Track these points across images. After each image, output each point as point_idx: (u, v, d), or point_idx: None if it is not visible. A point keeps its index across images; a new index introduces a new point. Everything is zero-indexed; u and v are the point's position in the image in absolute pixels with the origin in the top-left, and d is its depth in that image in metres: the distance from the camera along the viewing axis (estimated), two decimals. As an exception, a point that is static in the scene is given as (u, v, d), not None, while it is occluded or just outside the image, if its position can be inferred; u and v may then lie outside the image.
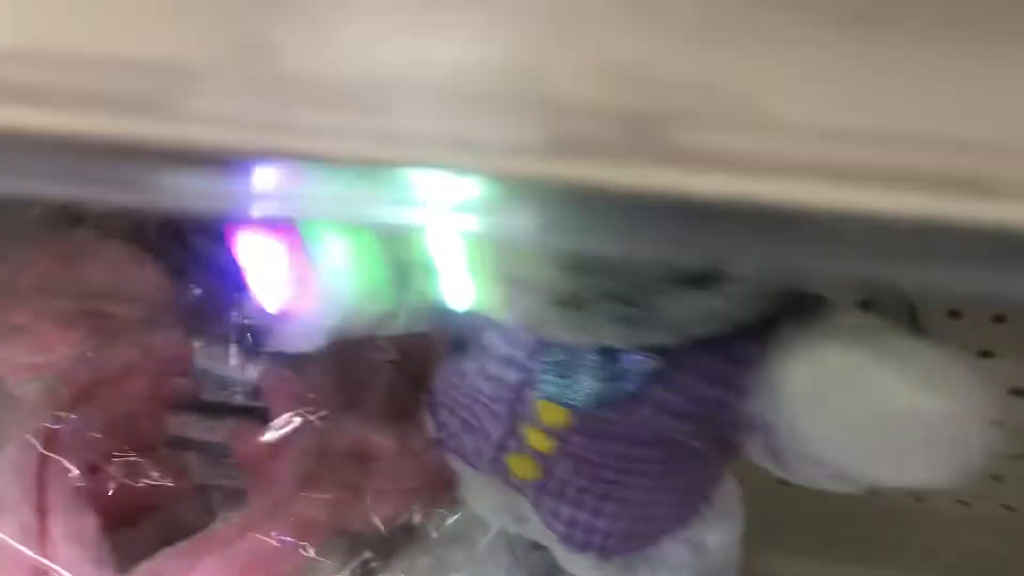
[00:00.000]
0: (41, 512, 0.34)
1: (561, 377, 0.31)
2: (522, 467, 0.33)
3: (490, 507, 0.36)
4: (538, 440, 0.32)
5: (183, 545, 0.34)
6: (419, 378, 0.38)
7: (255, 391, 0.40)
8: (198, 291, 0.40)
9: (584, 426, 0.31)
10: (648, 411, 0.30)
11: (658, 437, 0.30)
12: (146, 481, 0.36)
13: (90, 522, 0.34)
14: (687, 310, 0.26)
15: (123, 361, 0.38)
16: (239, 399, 0.40)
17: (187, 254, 0.40)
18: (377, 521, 0.35)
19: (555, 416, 0.31)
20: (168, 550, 0.34)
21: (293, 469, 0.36)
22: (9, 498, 0.34)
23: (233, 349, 0.39)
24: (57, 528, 0.34)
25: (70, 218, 0.40)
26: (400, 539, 0.36)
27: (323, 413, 0.36)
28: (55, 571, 0.33)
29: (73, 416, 0.36)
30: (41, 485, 0.34)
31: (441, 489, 0.36)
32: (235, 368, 0.39)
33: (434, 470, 0.36)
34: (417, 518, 0.36)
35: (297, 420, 0.37)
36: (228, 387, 0.40)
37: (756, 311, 0.26)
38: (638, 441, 0.31)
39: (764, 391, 0.27)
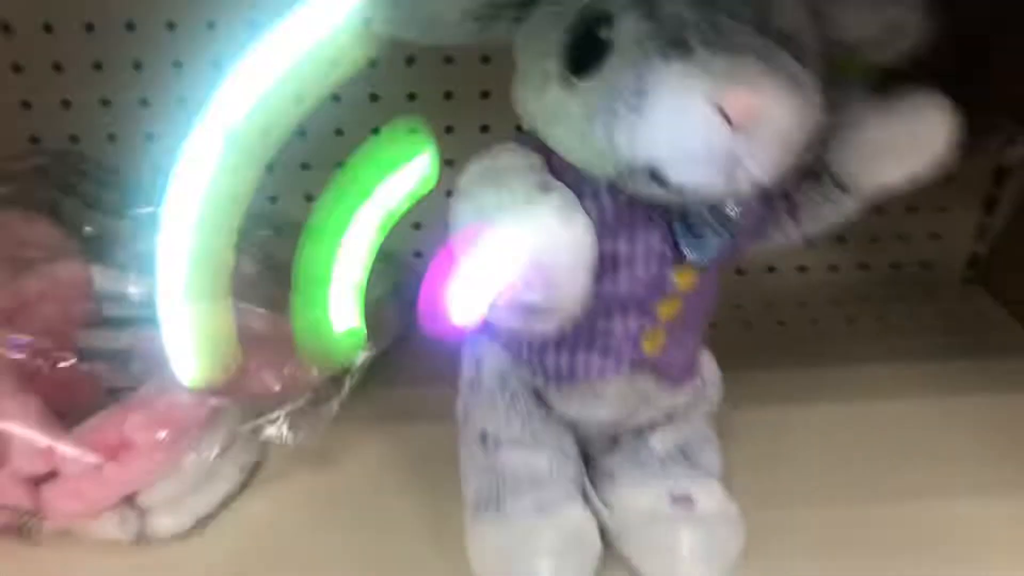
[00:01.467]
0: None
1: (697, 243, 0.36)
2: (652, 343, 0.39)
3: (611, 405, 0.41)
4: (668, 308, 0.38)
5: (115, 406, 0.44)
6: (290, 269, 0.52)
7: (148, 302, 0.46)
8: (89, 230, 0.51)
9: (701, 281, 0.38)
10: (735, 245, 0.37)
11: (728, 260, 0.39)
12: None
13: (34, 400, 0.43)
14: None
15: (36, 289, 0.48)
16: (136, 311, 0.49)
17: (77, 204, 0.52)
18: (266, 384, 0.47)
19: (687, 280, 0.37)
20: (103, 412, 0.44)
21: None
22: None
23: (128, 271, 0.49)
24: (7, 407, 0.42)
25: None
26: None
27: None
28: (10, 430, 0.42)
29: (6, 330, 0.45)
30: None
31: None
32: (129, 283, 0.49)
33: None
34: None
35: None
36: (125, 303, 0.50)
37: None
38: (716, 277, 0.39)
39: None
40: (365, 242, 0.43)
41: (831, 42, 0.34)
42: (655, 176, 0.32)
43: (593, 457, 0.45)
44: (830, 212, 0.39)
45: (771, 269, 0.67)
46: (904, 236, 0.66)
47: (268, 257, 0.54)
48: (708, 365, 0.45)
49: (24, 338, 0.46)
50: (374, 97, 0.58)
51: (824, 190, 0.38)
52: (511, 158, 0.35)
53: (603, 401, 0.41)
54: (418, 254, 0.63)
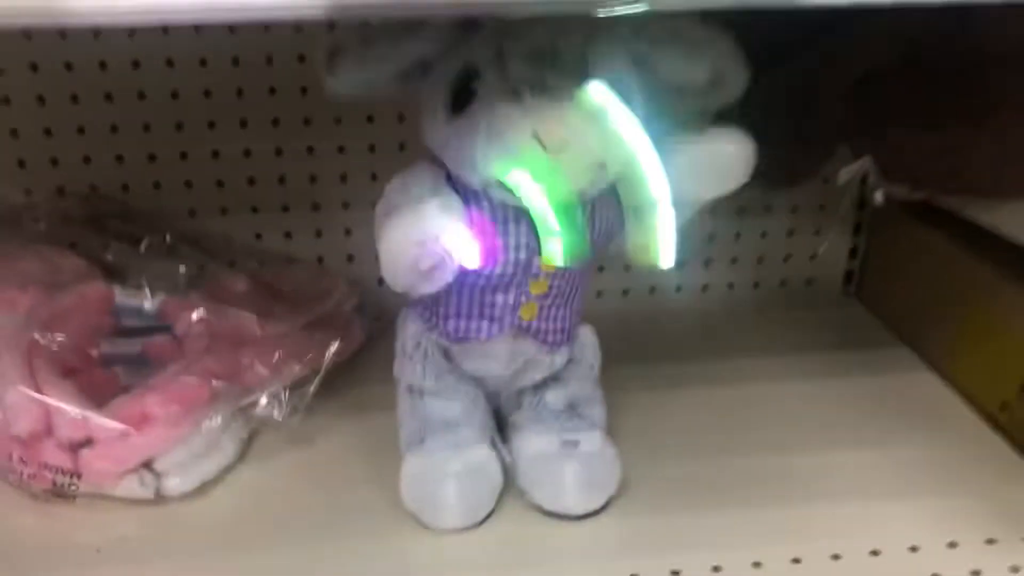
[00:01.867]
0: (36, 386, 0.53)
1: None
2: (527, 312, 0.50)
3: (496, 360, 0.52)
4: (539, 287, 0.49)
5: (137, 389, 0.55)
6: (273, 289, 0.64)
7: (159, 314, 0.62)
8: (109, 257, 0.64)
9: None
10: (590, 237, 0.48)
11: (592, 252, 0.49)
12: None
13: (71, 386, 0.54)
14: None
15: (69, 304, 0.59)
16: (149, 322, 0.61)
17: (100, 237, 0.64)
18: (258, 374, 0.58)
19: (551, 264, 0.47)
20: (126, 394, 0.55)
21: (193, 348, 0.58)
22: (12, 376, 0.53)
23: (143, 290, 0.61)
24: (49, 391, 0.53)
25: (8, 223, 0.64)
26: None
27: (201, 312, 0.60)
28: (53, 404, 0.52)
29: (47, 334, 0.56)
30: (32, 372, 0.54)
31: (294, 360, 0.59)
32: (143, 300, 0.62)
33: (288, 349, 0.60)
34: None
35: (195, 315, 0.60)
36: (140, 315, 0.62)
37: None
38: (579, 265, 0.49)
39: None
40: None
41: (661, 87, 0.46)
42: (504, 186, 0.45)
43: (505, 414, 0.57)
44: None
45: (678, 289, 0.79)
46: (787, 257, 0.79)
47: (256, 280, 0.66)
48: (587, 335, 0.56)
49: (60, 336, 0.57)
50: (340, 149, 0.71)
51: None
52: (420, 173, 0.48)
53: (493, 358, 0.53)
54: (380, 281, 0.75)
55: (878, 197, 0.62)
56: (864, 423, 0.63)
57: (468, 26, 0.46)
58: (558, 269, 0.49)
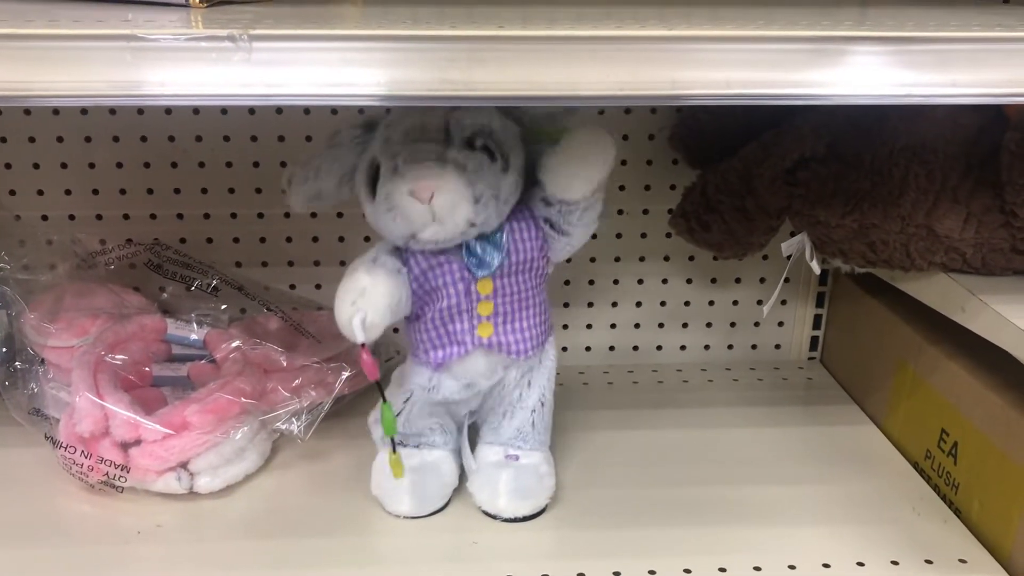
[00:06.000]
0: (99, 394, 0.65)
1: (478, 263, 0.57)
2: (484, 330, 0.60)
3: (479, 374, 0.62)
4: (485, 308, 0.59)
5: (178, 401, 0.67)
6: (301, 329, 0.75)
7: (203, 344, 0.73)
8: (165, 296, 0.76)
9: (499, 284, 0.59)
10: (514, 258, 0.58)
11: (526, 269, 0.59)
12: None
13: (126, 396, 0.66)
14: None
15: (129, 331, 0.71)
16: (194, 350, 0.73)
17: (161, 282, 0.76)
18: (281, 396, 0.69)
19: (487, 286, 0.58)
20: (170, 405, 0.67)
21: (228, 372, 0.69)
22: (80, 386, 0.65)
23: (191, 323, 0.73)
24: (108, 398, 0.65)
25: (86, 265, 0.76)
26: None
27: (238, 343, 0.71)
28: (111, 409, 0.64)
29: (108, 355, 0.68)
30: (97, 383, 0.65)
31: (310, 386, 0.70)
32: (191, 332, 0.73)
33: (307, 378, 0.71)
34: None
35: (233, 345, 0.71)
36: (187, 344, 0.73)
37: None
38: (520, 274, 0.59)
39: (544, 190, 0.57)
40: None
41: (529, 122, 0.58)
42: (415, 238, 0.56)
43: (479, 433, 0.68)
44: (573, 221, 0.59)
45: (659, 347, 0.89)
46: (758, 324, 0.89)
47: (287, 319, 0.78)
48: (548, 363, 0.65)
49: (121, 357, 0.69)
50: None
51: (556, 208, 0.59)
52: (378, 245, 0.60)
53: (475, 372, 0.62)
54: (396, 330, 0.86)
55: (815, 267, 0.72)
56: (804, 466, 0.72)
57: (370, 126, 0.59)
58: (496, 291, 0.59)
